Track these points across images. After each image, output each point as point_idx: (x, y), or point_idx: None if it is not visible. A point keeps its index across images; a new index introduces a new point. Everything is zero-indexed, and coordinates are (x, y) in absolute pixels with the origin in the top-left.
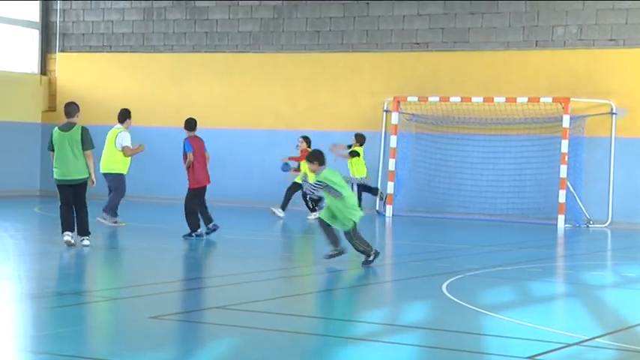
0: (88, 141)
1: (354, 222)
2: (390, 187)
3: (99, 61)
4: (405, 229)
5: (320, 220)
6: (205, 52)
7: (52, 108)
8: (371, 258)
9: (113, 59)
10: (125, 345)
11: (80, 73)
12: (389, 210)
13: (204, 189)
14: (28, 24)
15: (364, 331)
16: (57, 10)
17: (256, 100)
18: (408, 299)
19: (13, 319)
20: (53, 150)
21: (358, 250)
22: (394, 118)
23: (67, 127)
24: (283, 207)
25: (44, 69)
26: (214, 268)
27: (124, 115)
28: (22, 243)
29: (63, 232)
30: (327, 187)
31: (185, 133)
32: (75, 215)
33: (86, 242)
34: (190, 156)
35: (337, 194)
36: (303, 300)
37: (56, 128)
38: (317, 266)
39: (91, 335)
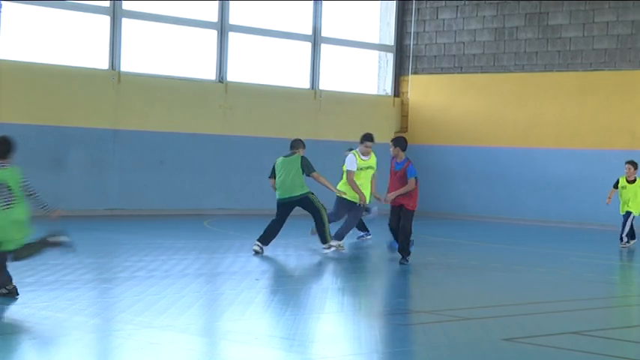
0: (308, 166)
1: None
2: None
3: (450, 82)
4: None
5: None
6: (557, 70)
7: (404, 129)
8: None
9: (464, 80)
10: None
11: (431, 94)
12: None
13: None
14: (384, 47)
15: None
16: (411, 33)
17: (610, 119)
18: None
19: (366, 335)
20: (274, 177)
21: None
22: None
23: (289, 155)
24: None
25: (397, 91)
26: (565, 291)
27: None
28: (374, 260)
29: (258, 240)
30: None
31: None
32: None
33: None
34: (413, 182)
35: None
36: None
37: (281, 158)
38: None
39: (443, 355)
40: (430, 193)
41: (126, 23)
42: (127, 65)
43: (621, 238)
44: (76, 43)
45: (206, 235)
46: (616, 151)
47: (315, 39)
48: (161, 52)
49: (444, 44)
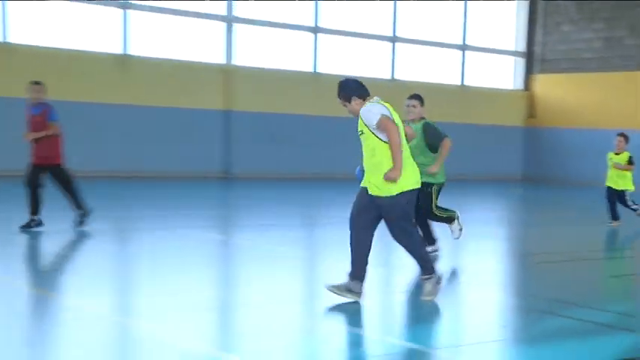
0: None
1: None
2: None
3: (568, 79)
4: None
5: None
6: None
7: (533, 115)
8: None
9: (579, 77)
10: (591, 298)
11: (554, 89)
12: None
13: None
14: (518, 54)
15: None
16: (539, 41)
17: None
18: None
19: (505, 275)
20: None
21: None
22: None
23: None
24: None
25: (527, 86)
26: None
27: None
28: None
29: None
30: None
31: None
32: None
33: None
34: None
35: None
36: None
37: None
38: None
39: (564, 287)
40: (554, 165)
41: None
42: None
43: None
44: None
45: None
46: None
47: (464, 48)
48: None
49: (564, 50)
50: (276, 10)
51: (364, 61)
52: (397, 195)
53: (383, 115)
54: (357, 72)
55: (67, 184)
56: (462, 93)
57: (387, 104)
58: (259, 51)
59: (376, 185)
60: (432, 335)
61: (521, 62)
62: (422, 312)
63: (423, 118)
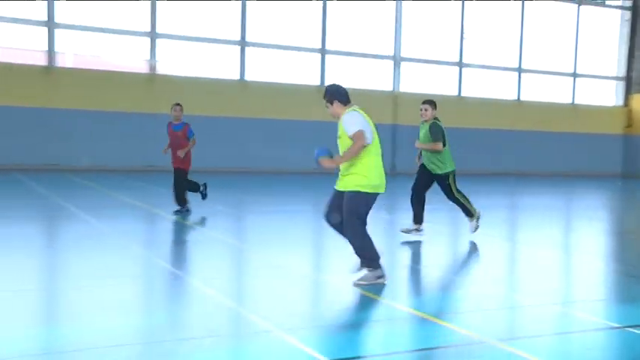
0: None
1: None
2: None
3: None
4: None
5: None
6: None
7: (629, 124)
8: None
9: None
10: None
11: None
12: None
13: None
14: (617, 78)
15: None
16: (636, 68)
17: None
18: None
19: (607, 248)
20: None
21: None
22: None
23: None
24: None
25: (626, 103)
26: None
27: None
28: None
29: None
30: None
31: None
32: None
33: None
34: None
35: None
36: None
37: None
38: None
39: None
40: None
41: None
42: None
43: None
44: None
45: None
46: None
47: (575, 75)
48: None
49: None
50: (426, 49)
51: (494, 87)
52: (357, 192)
53: (360, 130)
54: (487, 94)
55: (183, 181)
56: (574, 110)
57: (363, 112)
58: (418, 80)
59: (345, 181)
60: (548, 293)
61: (621, 85)
62: (539, 274)
63: (435, 118)
